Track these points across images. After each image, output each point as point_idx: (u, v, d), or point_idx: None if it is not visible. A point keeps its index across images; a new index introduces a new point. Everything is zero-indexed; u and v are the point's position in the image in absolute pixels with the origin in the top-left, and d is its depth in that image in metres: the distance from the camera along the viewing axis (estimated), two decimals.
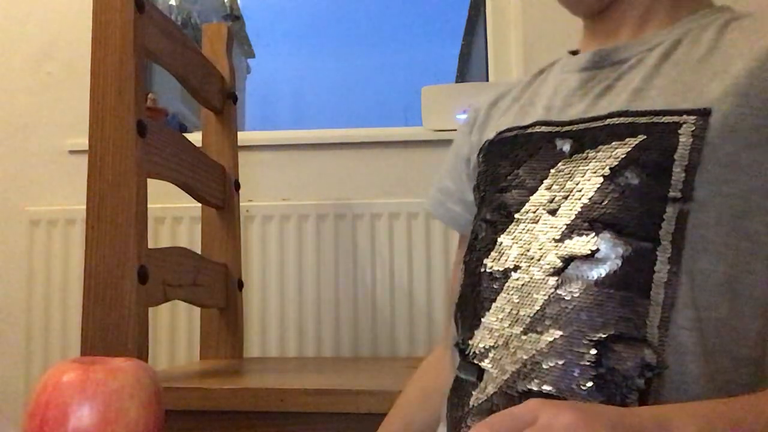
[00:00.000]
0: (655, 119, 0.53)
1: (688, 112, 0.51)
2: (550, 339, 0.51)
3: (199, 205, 1.36)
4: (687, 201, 0.49)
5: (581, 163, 0.55)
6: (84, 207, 0.94)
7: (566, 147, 0.57)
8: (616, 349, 0.48)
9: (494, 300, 0.56)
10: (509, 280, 0.55)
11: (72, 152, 1.70)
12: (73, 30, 1.72)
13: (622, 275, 0.49)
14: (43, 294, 1.61)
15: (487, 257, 0.58)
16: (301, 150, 1.70)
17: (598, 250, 0.51)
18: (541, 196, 0.57)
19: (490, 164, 0.64)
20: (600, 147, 0.54)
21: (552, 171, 0.57)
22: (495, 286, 0.56)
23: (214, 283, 1.30)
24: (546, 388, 0.50)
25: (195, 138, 1.32)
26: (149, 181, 0.98)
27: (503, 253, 0.57)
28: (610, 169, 0.53)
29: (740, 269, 0.49)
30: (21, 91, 1.75)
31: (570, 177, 0.55)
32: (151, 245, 0.97)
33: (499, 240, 0.58)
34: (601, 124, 0.56)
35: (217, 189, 1.34)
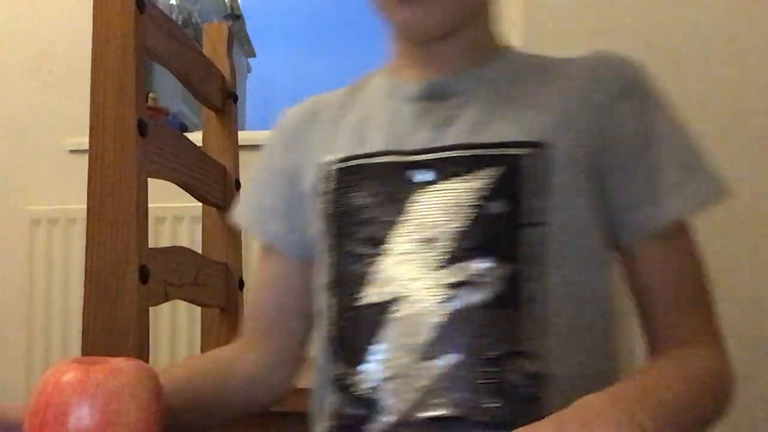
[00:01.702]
0: (501, 151, 0.58)
1: (527, 144, 0.57)
2: (445, 363, 0.54)
3: (200, 204, 1.36)
4: (538, 224, 0.56)
5: (437, 194, 0.58)
6: (84, 206, 0.94)
7: (419, 178, 0.60)
8: (505, 365, 0.54)
9: (379, 333, 0.58)
10: (391, 312, 0.57)
11: (72, 152, 1.70)
12: (73, 30, 1.71)
13: (498, 296, 0.55)
14: (43, 293, 1.61)
15: (363, 291, 0.59)
16: None
17: (474, 275, 0.55)
18: (405, 227, 0.59)
19: (339, 194, 0.64)
20: (452, 179, 0.58)
21: (410, 202, 0.59)
22: (375, 318, 0.58)
23: (215, 282, 1.29)
24: (447, 411, 0.54)
25: (195, 137, 1.32)
26: (150, 180, 0.98)
27: (382, 284, 0.59)
28: (470, 200, 0.57)
29: (584, 277, 0.57)
30: (21, 91, 1.75)
31: (429, 208, 0.58)
32: (151, 245, 0.97)
33: (373, 273, 0.59)
34: (450, 155, 0.59)
35: (217, 188, 1.34)
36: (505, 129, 0.59)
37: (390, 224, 0.60)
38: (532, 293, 0.55)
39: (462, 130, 0.60)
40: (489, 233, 0.56)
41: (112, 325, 0.90)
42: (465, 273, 0.56)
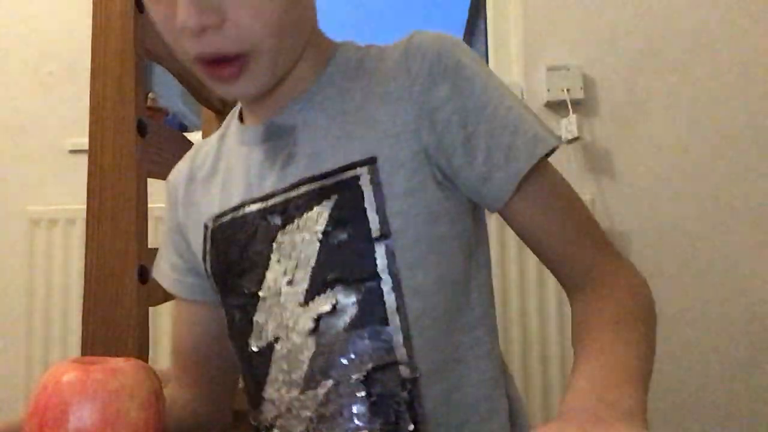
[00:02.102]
0: (339, 177, 0.59)
1: (360, 164, 0.59)
2: (324, 390, 0.58)
3: None
4: (388, 235, 0.58)
5: (294, 232, 0.61)
6: (84, 206, 0.94)
7: (277, 220, 0.62)
8: (379, 377, 0.57)
9: (267, 374, 0.61)
10: (274, 352, 0.61)
11: (72, 152, 1.70)
12: (73, 30, 1.72)
13: (362, 315, 0.57)
14: (43, 293, 1.61)
15: (250, 337, 0.63)
16: None
17: (337, 302, 0.58)
18: (274, 270, 0.62)
19: (218, 252, 0.67)
20: (304, 214, 0.60)
21: (274, 245, 0.62)
22: (263, 361, 0.62)
23: None
24: None
25: (195, 137, 1.32)
26: (149, 180, 0.98)
27: (261, 330, 0.62)
28: (321, 232, 0.59)
29: (443, 269, 0.59)
30: (21, 91, 1.75)
31: (291, 247, 0.61)
32: (151, 245, 0.97)
33: (255, 320, 0.63)
34: (297, 192, 0.61)
35: None
36: (339, 153, 0.60)
37: (259, 271, 0.62)
38: (392, 304, 0.57)
39: (302, 165, 0.62)
40: (341, 259, 0.58)
41: (111, 325, 0.90)
42: (329, 302, 0.58)
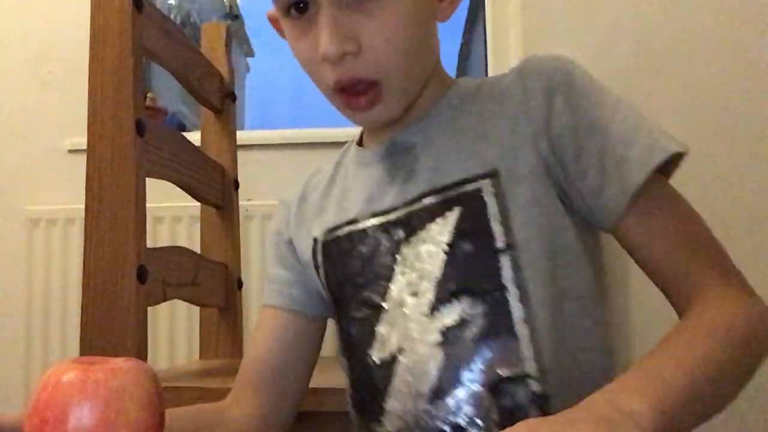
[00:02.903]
0: (461, 190, 0.61)
1: (482, 176, 0.61)
2: (454, 401, 0.57)
3: (198, 204, 1.36)
4: (513, 247, 0.58)
5: (419, 244, 0.62)
6: (83, 206, 0.94)
7: (400, 233, 0.64)
8: (508, 390, 0.56)
9: (389, 385, 0.62)
10: (398, 364, 0.61)
11: (71, 151, 1.70)
12: (73, 30, 1.71)
13: (489, 326, 0.57)
14: (42, 293, 1.61)
15: (371, 348, 0.64)
16: (301, 149, 1.70)
17: (463, 313, 0.58)
18: (399, 282, 0.63)
19: (335, 264, 0.68)
20: (427, 226, 0.62)
21: (398, 257, 0.63)
22: (386, 373, 0.62)
23: (214, 282, 1.30)
24: None
25: (194, 137, 1.32)
26: (148, 180, 0.98)
27: (384, 341, 0.63)
28: (446, 243, 0.60)
29: (570, 281, 0.60)
30: (20, 91, 1.75)
31: (416, 259, 0.62)
32: (150, 245, 0.97)
33: (377, 331, 0.63)
34: (420, 206, 0.63)
35: (216, 188, 1.34)
36: (460, 167, 0.62)
37: (383, 283, 0.63)
38: (519, 315, 0.57)
39: (423, 179, 0.64)
40: (467, 271, 0.59)
41: (110, 324, 0.90)
42: (455, 313, 0.59)
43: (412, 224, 0.63)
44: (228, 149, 1.41)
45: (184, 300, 1.19)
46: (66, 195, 1.66)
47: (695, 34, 1.64)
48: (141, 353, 0.91)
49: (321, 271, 0.70)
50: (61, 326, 1.59)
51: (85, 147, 0.95)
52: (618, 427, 0.40)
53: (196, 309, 1.40)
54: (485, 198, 0.60)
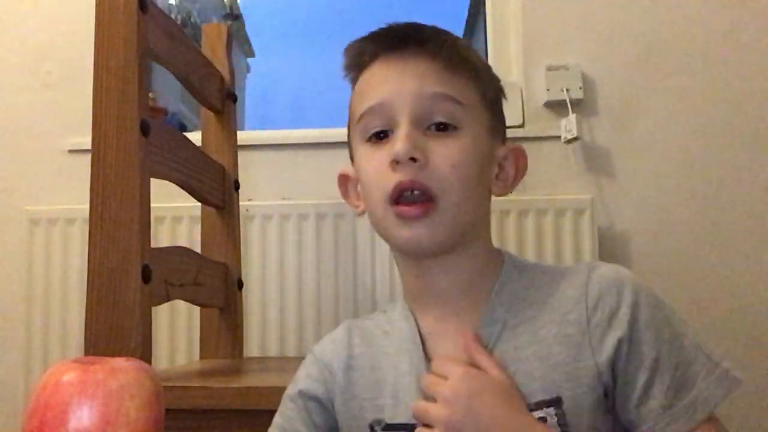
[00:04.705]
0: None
1: (547, 404, 0.61)
2: None
3: (199, 204, 1.36)
4: None
5: None
6: (84, 206, 0.94)
7: None
8: None
9: None
10: None
11: (72, 152, 1.70)
12: (73, 30, 1.71)
13: None
14: (42, 294, 1.61)
15: None
16: (301, 149, 1.70)
17: None
18: None
19: None
20: None
21: None
22: None
23: (214, 282, 1.30)
24: None
25: (195, 137, 1.32)
26: (152, 180, 0.98)
27: None
28: None
29: None
30: (21, 91, 1.75)
31: None
32: (151, 245, 0.97)
33: None
34: None
35: (216, 188, 1.34)
36: (523, 391, 0.61)
37: None
38: None
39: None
40: None
41: (114, 324, 0.90)
42: None
43: None
44: (228, 150, 1.41)
45: (186, 300, 1.19)
46: (66, 195, 1.66)
47: (695, 34, 1.64)
48: (145, 353, 0.91)
49: None
50: (61, 326, 1.59)
51: (85, 147, 0.95)
52: None
53: (196, 309, 1.40)
54: (549, 428, 0.60)
